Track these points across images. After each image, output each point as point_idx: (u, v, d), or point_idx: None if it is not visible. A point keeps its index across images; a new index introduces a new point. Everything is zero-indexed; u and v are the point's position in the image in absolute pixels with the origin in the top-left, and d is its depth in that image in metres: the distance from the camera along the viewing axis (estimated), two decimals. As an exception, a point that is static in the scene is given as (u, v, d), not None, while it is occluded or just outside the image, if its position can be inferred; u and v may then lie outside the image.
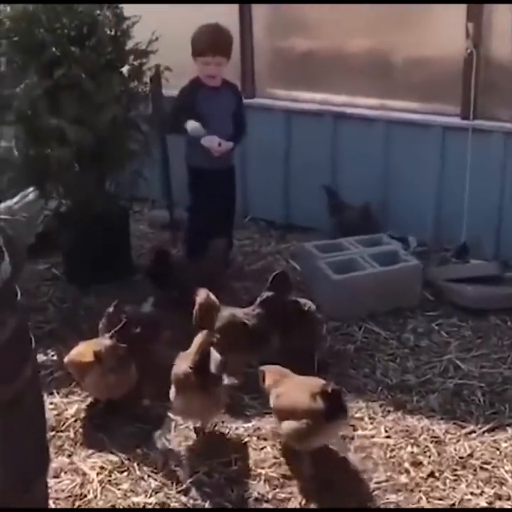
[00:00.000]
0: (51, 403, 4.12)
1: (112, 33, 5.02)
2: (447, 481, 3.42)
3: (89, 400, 4.13)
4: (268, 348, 4.13)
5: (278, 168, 6.35)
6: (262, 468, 3.54)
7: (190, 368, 3.53)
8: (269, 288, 4.25)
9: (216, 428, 3.85)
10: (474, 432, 3.74)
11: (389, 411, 3.94)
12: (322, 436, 3.46)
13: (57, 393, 4.23)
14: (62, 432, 3.93)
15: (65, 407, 4.12)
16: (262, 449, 3.68)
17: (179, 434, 3.82)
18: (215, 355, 3.71)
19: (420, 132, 5.68)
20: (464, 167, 5.51)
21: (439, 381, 4.17)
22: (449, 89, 5.56)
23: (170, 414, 3.92)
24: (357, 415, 3.91)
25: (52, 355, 4.60)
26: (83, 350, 3.97)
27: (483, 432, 3.73)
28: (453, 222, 5.68)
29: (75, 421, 4.00)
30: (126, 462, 3.62)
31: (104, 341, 3.96)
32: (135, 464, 3.60)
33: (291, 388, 3.55)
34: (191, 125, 4.93)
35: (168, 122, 5.21)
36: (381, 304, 4.82)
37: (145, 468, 3.57)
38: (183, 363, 3.62)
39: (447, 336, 4.60)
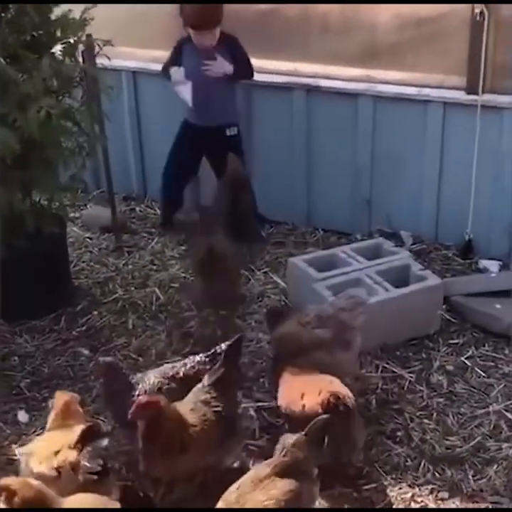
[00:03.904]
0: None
1: (34, -2, 3.79)
2: None
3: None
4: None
5: (237, 153, 5.30)
6: None
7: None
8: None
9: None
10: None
11: (443, 498, 3.06)
12: None
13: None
14: None
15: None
16: None
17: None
18: None
19: (415, 109, 4.76)
20: (470, 150, 4.62)
21: (493, 446, 3.33)
22: (452, 58, 4.61)
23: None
24: (402, 505, 3.02)
25: (-14, 432, 3.53)
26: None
27: None
28: (455, 214, 4.82)
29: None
30: None
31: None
32: None
33: None
34: (174, 71, 4.87)
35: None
36: (396, 333, 3.94)
37: None
38: None
39: (485, 375, 3.75)
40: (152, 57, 5.39)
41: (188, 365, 3.29)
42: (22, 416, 3.62)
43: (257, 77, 5.12)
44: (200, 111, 4.89)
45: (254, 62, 5.14)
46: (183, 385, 3.19)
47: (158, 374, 3.25)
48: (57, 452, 2.80)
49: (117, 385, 3.15)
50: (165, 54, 5.19)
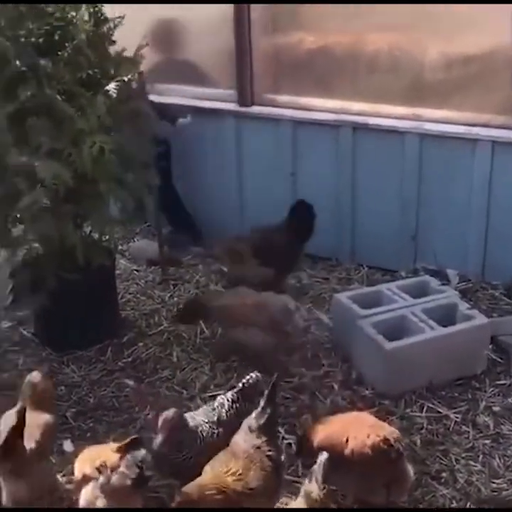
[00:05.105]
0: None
1: (90, 37, 3.91)
2: None
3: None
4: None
5: (282, 188, 5.35)
6: None
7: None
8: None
9: None
10: None
11: (489, 542, 3.01)
12: None
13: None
14: None
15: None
16: None
17: None
18: None
19: (463, 148, 4.74)
20: (519, 189, 4.59)
21: (541, 490, 3.26)
22: (500, 97, 4.64)
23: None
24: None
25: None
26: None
27: None
28: (502, 253, 4.79)
29: None
30: None
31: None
32: None
33: None
34: None
35: None
36: (442, 372, 3.90)
37: None
38: None
39: (533, 418, 3.69)
40: (201, 94, 5.50)
41: (226, 406, 3.29)
42: (67, 446, 3.65)
43: (305, 114, 5.19)
44: None
45: (303, 100, 5.22)
46: (226, 427, 3.22)
47: (205, 419, 3.24)
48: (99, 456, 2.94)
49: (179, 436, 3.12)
50: (214, 91, 5.31)
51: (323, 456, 2.71)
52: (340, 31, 5.08)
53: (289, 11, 5.17)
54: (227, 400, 3.31)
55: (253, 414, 3.05)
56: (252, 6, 5.14)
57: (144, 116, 4.30)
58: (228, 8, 5.12)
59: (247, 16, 5.17)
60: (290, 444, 3.59)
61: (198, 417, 3.25)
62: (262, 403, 3.06)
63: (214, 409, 3.29)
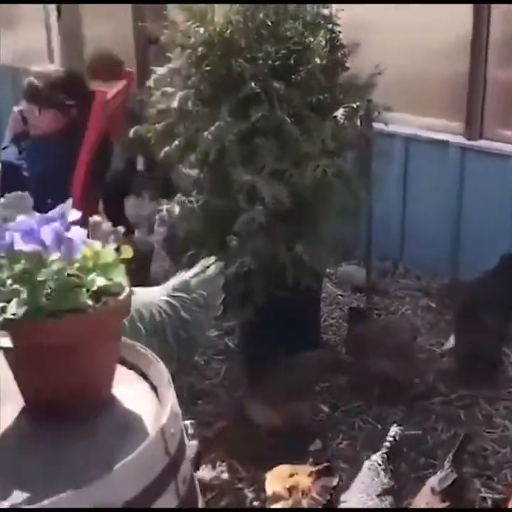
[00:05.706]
0: None
1: (324, 62, 3.95)
2: None
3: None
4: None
5: (502, 227, 5.09)
6: None
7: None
8: None
9: None
10: None
11: None
12: None
13: None
14: None
15: None
16: None
17: None
18: None
19: None
20: None
21: None
22: None
23: None
24: None
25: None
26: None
27: None
28: None
29: None
30: None
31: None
32: None
33: None
34: None
35: None
36: None
37: None
38: None
39: None
40: (424, 125, 5.40)
41: (382, 472, 3.04)
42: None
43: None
44: None
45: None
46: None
47: (376, 492, 3.01)
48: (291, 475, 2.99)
49: None
50: (436, 121, 5.18)
51: None
52: None
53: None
54: (379, 465, 3.08)
55: (438, 475, 2.93)
56: (492, 33, 4.95)
57: (367, 143, 4.29)
58: (466, 34, 4.97)
59: (485, 44, 4.99)
60: (485, 498, 3.40)
61: (369, 497, 3.00)
62: (447, 465, 2.92)
63: (373, 479, 3.04)
